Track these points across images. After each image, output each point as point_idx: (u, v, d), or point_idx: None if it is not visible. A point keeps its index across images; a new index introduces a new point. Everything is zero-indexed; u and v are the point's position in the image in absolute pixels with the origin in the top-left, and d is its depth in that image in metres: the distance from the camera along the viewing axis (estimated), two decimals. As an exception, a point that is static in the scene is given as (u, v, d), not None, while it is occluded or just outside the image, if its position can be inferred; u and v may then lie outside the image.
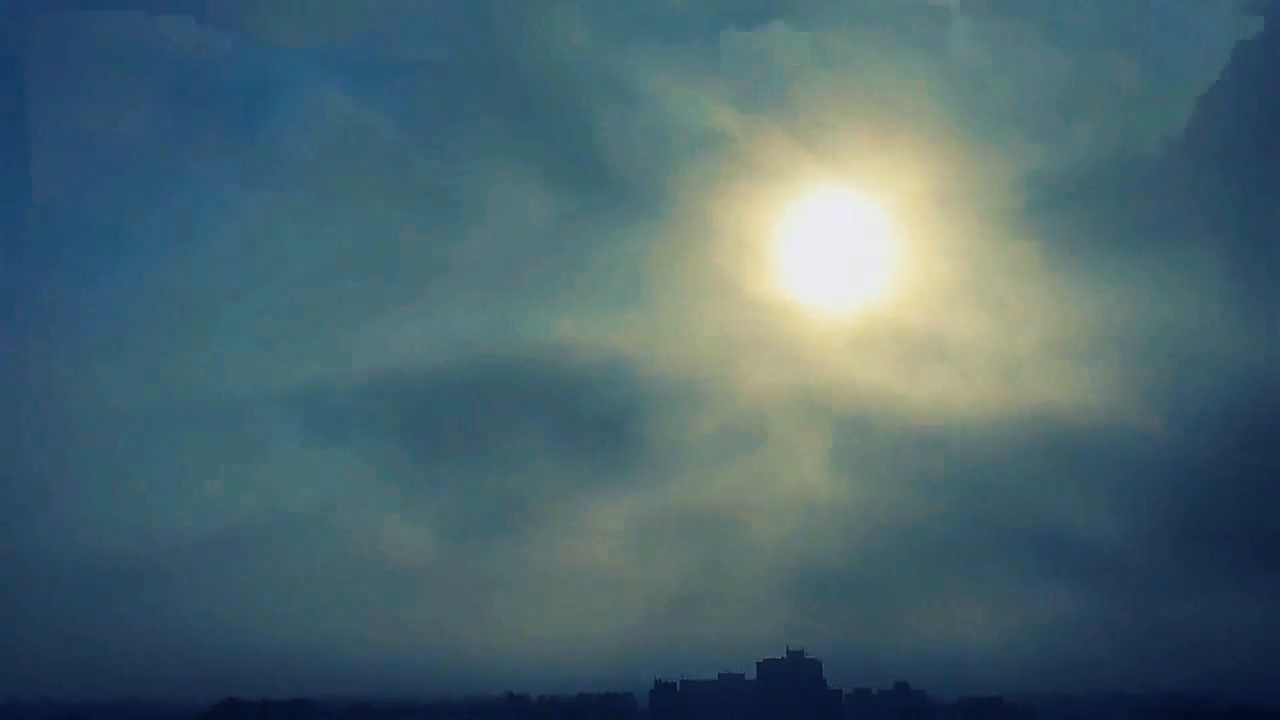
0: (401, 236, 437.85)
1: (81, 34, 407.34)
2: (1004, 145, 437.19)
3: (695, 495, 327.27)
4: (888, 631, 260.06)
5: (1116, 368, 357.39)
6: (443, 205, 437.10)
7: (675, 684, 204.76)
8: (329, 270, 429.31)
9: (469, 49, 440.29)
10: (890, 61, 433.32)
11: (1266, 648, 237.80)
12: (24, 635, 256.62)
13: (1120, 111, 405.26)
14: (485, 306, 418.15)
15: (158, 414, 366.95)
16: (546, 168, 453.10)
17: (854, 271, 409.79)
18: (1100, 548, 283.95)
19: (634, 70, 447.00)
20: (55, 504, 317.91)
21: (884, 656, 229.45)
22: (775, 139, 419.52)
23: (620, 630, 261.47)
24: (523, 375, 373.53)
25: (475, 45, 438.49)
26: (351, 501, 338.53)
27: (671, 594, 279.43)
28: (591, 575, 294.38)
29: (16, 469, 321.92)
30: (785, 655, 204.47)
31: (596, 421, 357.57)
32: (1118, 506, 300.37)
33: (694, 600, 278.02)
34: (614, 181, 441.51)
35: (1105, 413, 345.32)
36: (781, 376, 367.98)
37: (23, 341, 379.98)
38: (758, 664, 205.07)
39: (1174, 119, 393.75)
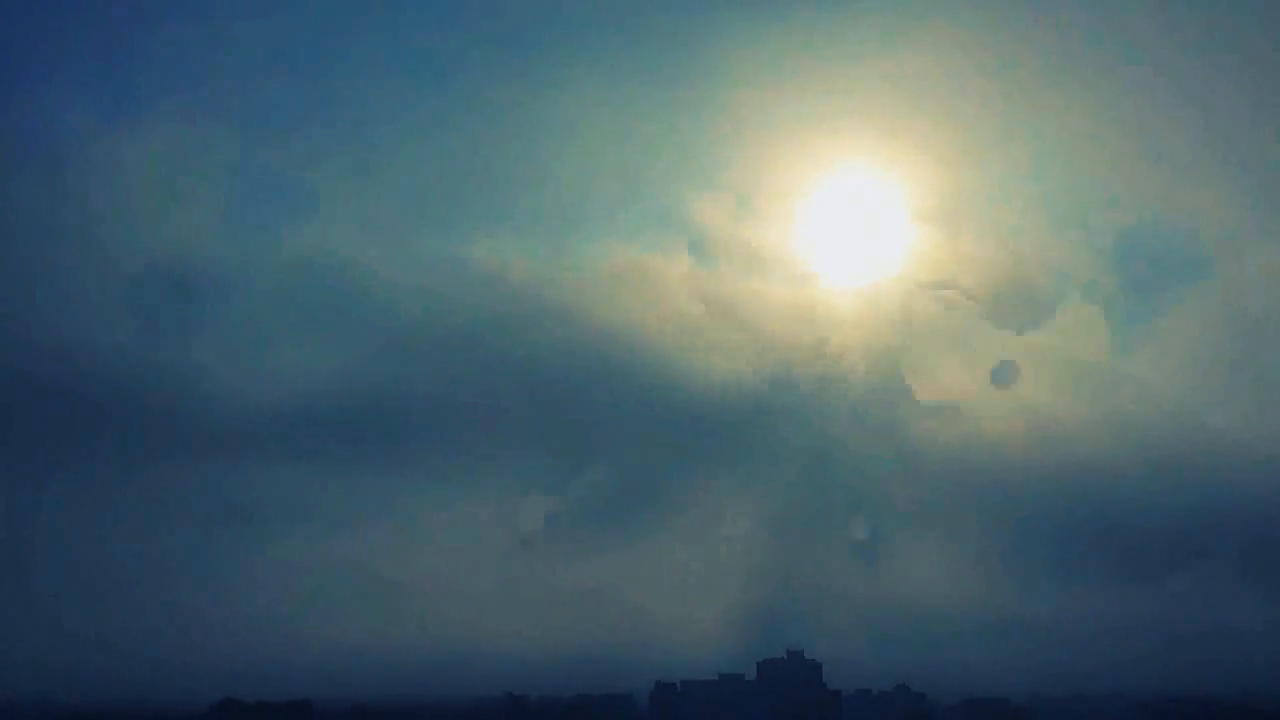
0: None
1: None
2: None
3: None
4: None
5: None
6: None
7: (675, 684, 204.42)
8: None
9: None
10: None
11: (1267, 648, 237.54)
12: (25, 634, 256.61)
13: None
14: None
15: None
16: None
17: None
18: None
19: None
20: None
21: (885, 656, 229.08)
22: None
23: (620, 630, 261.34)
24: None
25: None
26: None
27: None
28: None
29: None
30: (785, 655, 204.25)
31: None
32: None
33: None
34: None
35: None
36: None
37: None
38: (757, 664, 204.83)
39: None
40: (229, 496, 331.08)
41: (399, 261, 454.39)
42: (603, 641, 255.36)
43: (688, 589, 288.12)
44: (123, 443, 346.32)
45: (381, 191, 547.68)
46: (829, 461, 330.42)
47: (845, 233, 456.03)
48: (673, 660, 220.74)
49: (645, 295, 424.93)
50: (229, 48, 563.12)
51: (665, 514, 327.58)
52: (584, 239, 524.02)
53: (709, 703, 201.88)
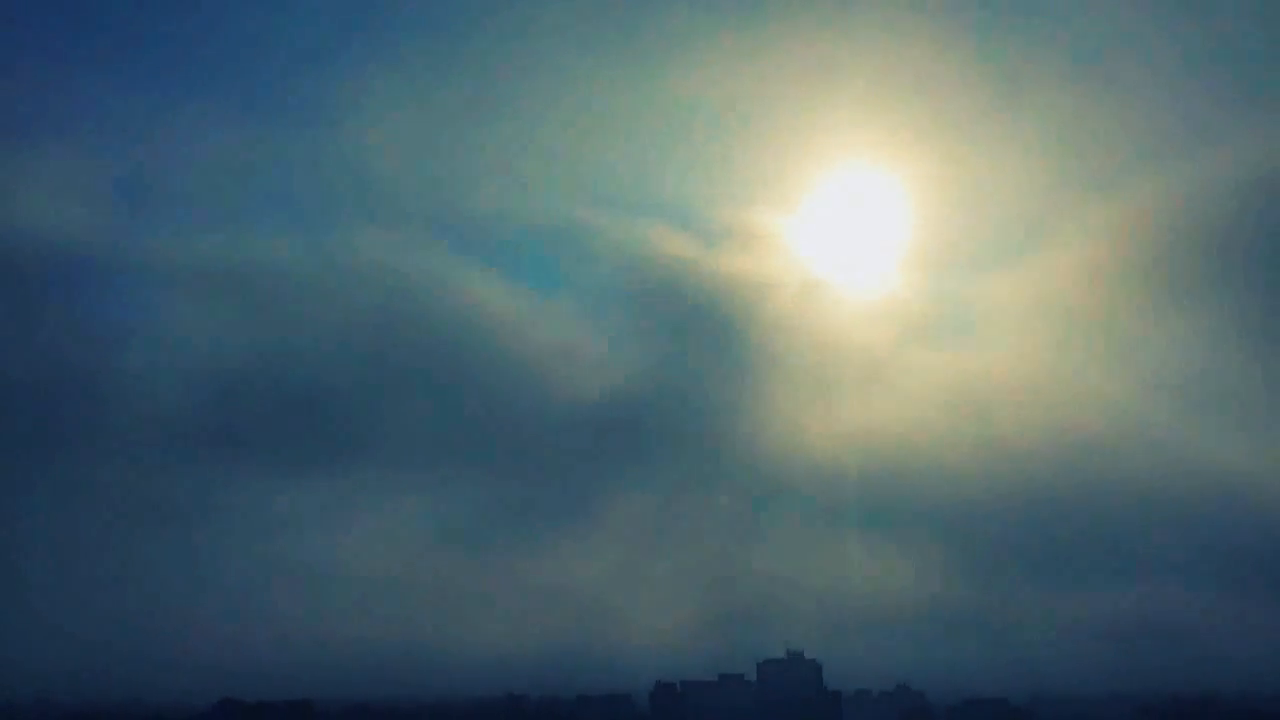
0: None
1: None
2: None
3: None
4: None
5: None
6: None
7: (675, 684, 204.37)
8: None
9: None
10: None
11: (1266, 648, 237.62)
12: (24, 635, 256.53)
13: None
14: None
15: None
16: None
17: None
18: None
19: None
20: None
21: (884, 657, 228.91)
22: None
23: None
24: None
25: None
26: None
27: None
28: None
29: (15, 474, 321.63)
30: (785, 655, 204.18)
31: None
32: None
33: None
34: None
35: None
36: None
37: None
38: (758, 664, 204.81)
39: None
40: (217, 499, 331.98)
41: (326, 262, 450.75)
42: (602, 642, 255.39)
43: (643, 587, 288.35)
44: (106, 443, 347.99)
45: (328, 187, 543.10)
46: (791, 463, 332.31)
47: (843, 230, 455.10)
48: (673, 660, 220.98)
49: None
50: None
51: (620, 512, 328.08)
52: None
53: (709, 703, 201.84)
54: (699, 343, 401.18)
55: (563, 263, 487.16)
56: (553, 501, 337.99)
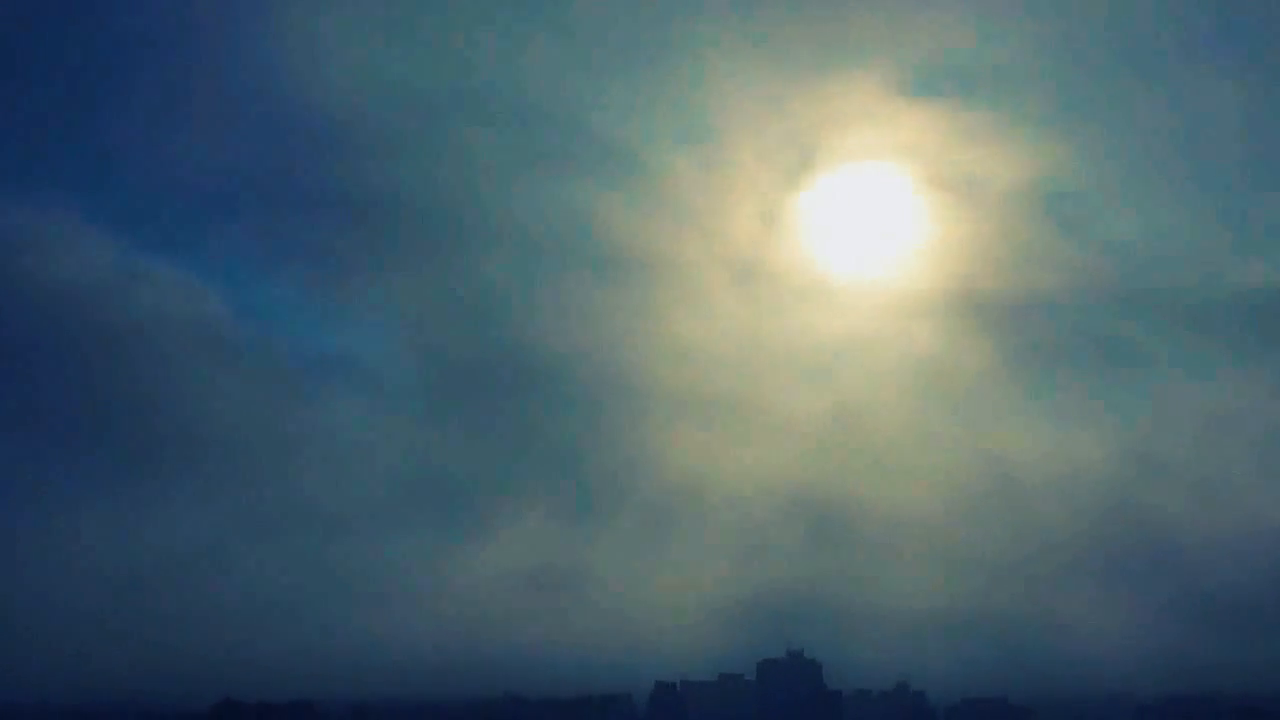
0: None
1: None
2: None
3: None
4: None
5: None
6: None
7: (675, 684, 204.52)
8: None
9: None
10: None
11: (1267, 648, 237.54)
12: (23, 635, 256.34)
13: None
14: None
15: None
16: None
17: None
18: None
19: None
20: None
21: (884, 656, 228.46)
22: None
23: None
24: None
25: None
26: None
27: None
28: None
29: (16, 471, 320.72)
30: (785, 655, 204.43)
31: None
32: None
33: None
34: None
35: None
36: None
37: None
38: (758, 664, 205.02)
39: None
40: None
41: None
42: (603, 641, 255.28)
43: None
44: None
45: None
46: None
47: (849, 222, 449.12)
48: (673, 660, 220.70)
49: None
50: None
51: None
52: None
53: (709, 703, 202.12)
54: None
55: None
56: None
